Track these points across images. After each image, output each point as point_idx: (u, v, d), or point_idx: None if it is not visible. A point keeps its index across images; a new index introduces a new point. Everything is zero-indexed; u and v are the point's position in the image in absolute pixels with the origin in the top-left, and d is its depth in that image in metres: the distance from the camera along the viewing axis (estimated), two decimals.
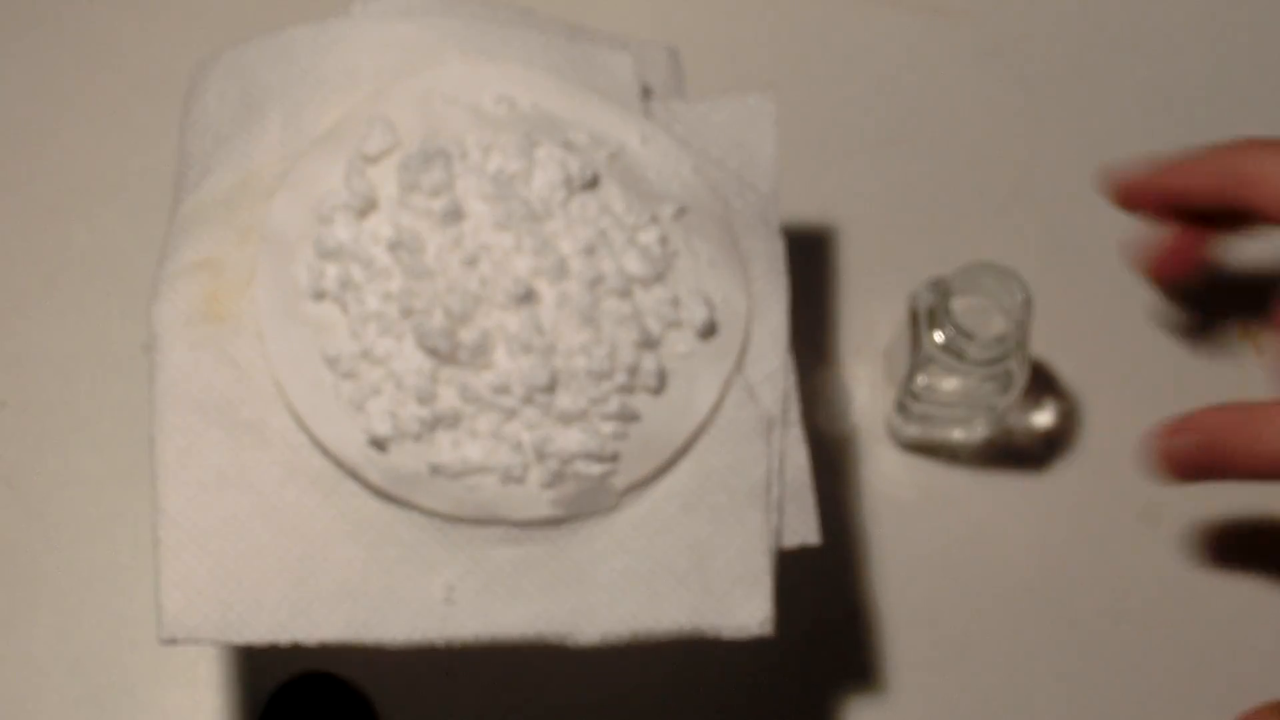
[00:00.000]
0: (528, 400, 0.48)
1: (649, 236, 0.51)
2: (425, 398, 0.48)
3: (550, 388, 0.48)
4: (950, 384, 0.64)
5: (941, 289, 0.62)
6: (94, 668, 0.67)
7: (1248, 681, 0.67)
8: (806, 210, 0.74)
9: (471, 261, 0.48)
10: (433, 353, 0.48)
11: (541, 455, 0.48)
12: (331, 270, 0.49)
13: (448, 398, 0.48)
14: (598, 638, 0.50)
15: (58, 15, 0.78)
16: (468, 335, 0.48)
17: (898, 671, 0.67)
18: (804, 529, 0.52)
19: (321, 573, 0.49)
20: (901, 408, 0.67)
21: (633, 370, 0.49)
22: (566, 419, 0.49)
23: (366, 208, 0.50)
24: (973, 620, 0.68)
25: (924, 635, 0.67)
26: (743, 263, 0.53)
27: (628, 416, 0.49)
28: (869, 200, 0.74)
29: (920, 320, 0.63)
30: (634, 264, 0.50)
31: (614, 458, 0.49)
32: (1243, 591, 0.68)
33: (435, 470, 0.48)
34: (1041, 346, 0.70)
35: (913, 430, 0.68)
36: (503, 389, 0.48)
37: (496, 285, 0.48)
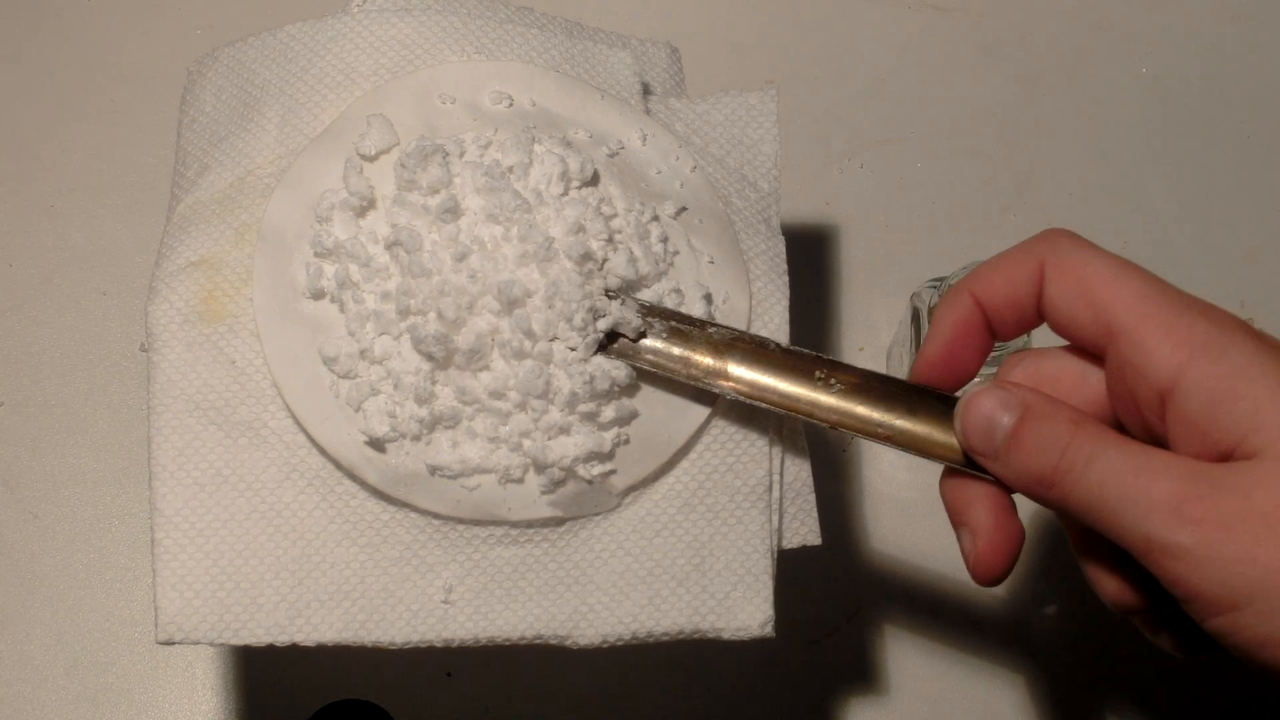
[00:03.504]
0: (522, 406, 0.48)
1: (650, 235, 0.50)
2: (423, 398, 0.48)
3: (544, 394, 0.48)
4: None
5: (942, 288, 0.61)
6: (91, 668, 0.67)
7: (1249, 678, 0.67)
8: (807, 209, 0.74)
9: (464, 257, 0.48)
10: (429, 358, 0.48)
11: (541, 455, 0.48)
12: (329, 269, 0.49)
13: (446, 398, 0.48)
14: (598, 639, 0.50)
15: (57, 15, 0.78)
16: (464, 340, 0.47)
17: (898, 671, 0.67)
18: (805, 530, 0.52)
19: (319, 574, 0.49)
20: None
21: (630, 372, 0.49)
22: (565, 422, 0.48)
23: (364, 206, 0.50)
24: (973, 620, 0.68)
25: (924, 635, 0.67)
26: (744, 262, 0.52)
27: (627, 417, 0.49)
28: (870, 199, 0.74)
29: (922, 319, 0.62)
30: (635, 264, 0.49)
31: (613, 458, 0.49)
32: None
33: (434, 470, 0.48)
34: (1044, 345, 0.70)
35: None
36: (499, 393, 0.48)
37: (488, 282, 0.48)
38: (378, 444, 0.48)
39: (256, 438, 0.49)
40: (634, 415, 0.49)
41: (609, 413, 0.48)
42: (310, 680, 0.65)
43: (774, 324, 0.52)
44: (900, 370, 0.66)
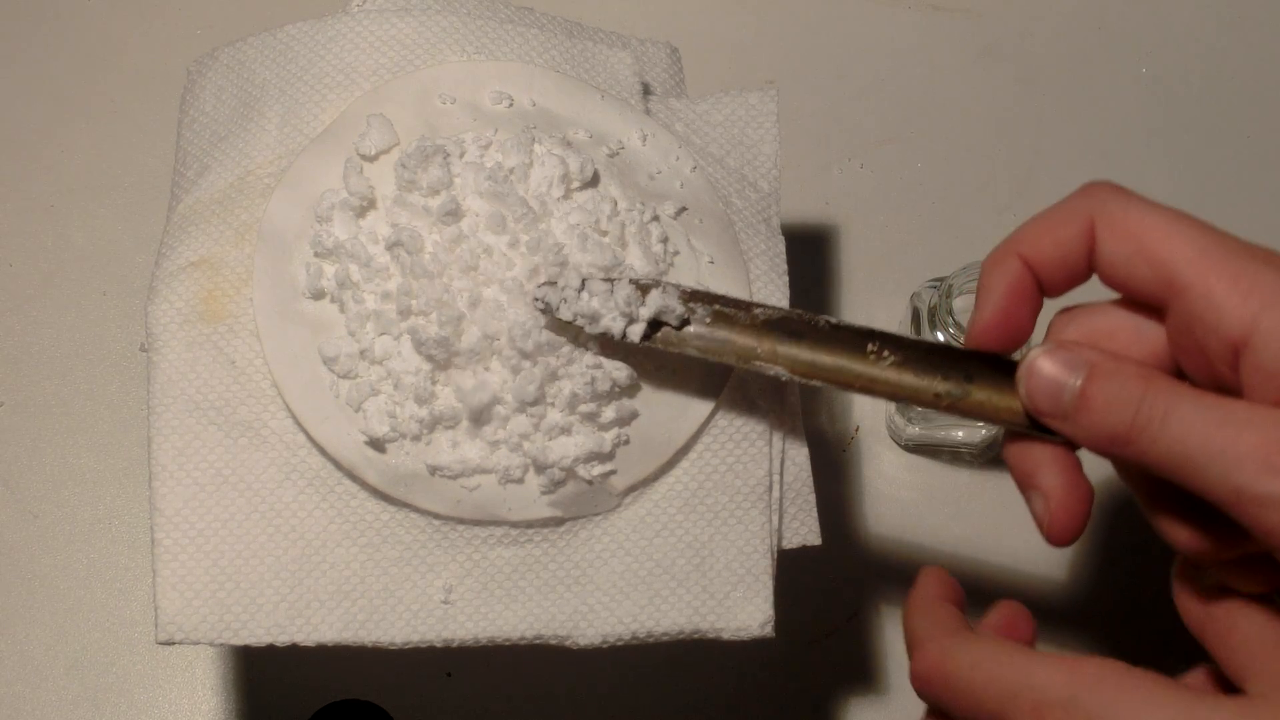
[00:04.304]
0: (520, 410, 0.48)
1: (650, 235, 0.50)
2: (423, 398, 0.48)
3: (538, 400, 0.48)
4: None
5: (943, 288, 0.61)
6: (91, 668, 0.67)
7: None
8: (807, 209, 0.74)
9: (467, 264, 0.48)
10: (430, 359, 0.48)
11: (541, 455, 0.48)
12: (329, 269, 0.49)
13: (446, 398, 0.48)
14: (598, 639, 0.50)
15: (57, 15, 0.78)
16: (465, 342, 0.47)
17: (898, 672, 0.67)
18: (805, 530, 0.52)
19: (319, 574, 0.49)
20: (903, 408, 0.67)
21: (631, 373, 0.49)
22: (565, 423, 0.48)
23: (364, 206, 0.50)
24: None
25: None
26: (744, 262, 0.52)
27: (627, 417, 0.49)
28: (869, 199, 0.74)
29: (921, 319, 0.62)
30: (635, 263, 0.49)
31: (613, 458, 0.49)
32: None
33: (434, 470, 0.48)
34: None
35: (914, 430, 0.68)
36: (497, 397, 0.48)
37: (490, 289, 0.48)
38: (378, 444, 0.48)
39: (256, 438, 0.49)
40: (634, 415, 0.49)
41: (609, 413, 0.48)
42: (310, 680, 0.65)
43: None
44: None
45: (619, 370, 0.48)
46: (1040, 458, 0.43)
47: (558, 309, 0.47)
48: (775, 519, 0.51)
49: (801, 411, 0.52)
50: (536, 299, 0.47)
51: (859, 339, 0.45)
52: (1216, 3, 0.78)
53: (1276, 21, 0.78)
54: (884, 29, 0.77)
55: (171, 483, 0.49)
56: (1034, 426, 0.43)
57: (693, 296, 0.48)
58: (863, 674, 0.67)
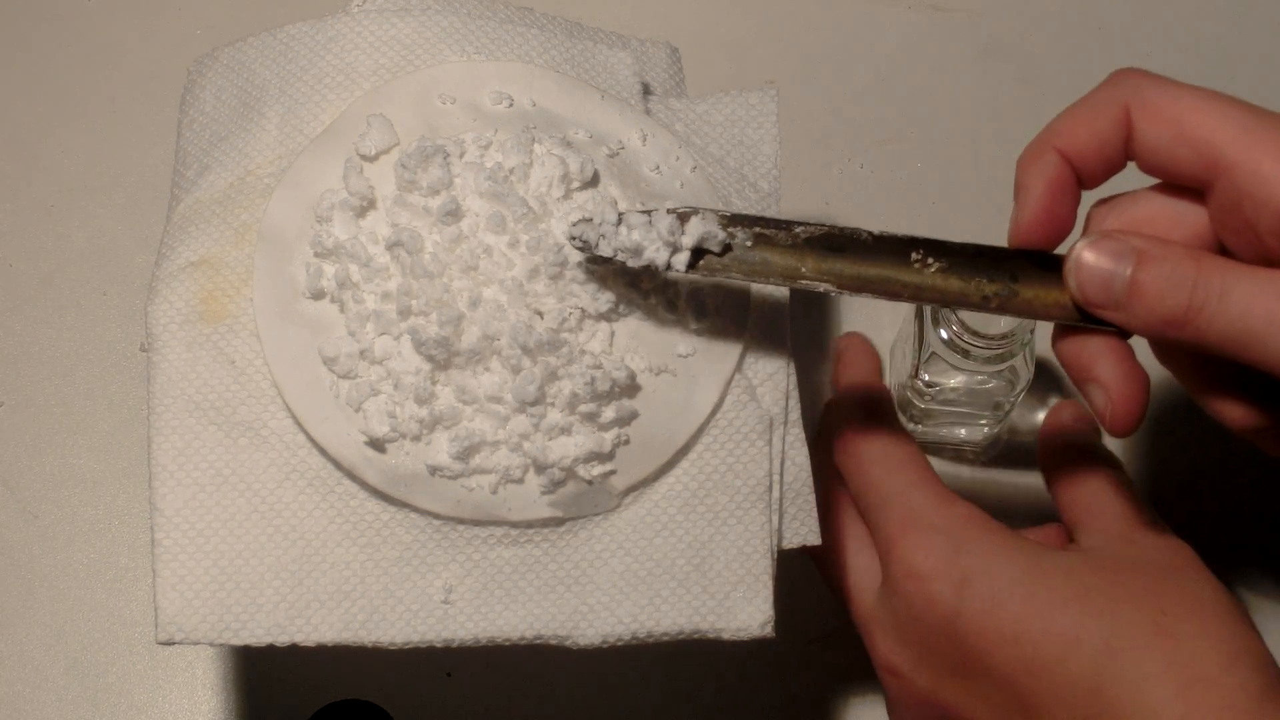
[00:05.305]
0: (520, 410, 0.48)
1: None
2: (423, 398, 0.48)
3: (539, 400, 0.48)
4: (955, 381, 0.63)
5: None
6: (91, 669, 0.67)
7: None
8: (807, 209, 0.74)
9: (467, 264, 0.48)
10: (430, 359, 0.48)
11: (541, 455, 0.48)
12: (329, 269, 0.49)
13: (446, 398, 0.48)
14: (598, 639, 0.50)
15: (57, 15, 0.78)
16: (465, 342, 0.47)
17: None
18: (805, 530, 0.52)
19: (319, 574, 0.49)
20: (905, 406, 0.67)
21: (631, 374, 0.49)
22: (565, 423, 0.48)
23: (364, 206, 0.50)
24: None
25: None
26: None
27: (627, 417, 0.49)
28: (870, 199, 0.74)
29: (924, 317, 0.62)
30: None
31: (613, 458, 0.49)
32: (1242, 591, 0.68)
33: (434, 471, 0.48)
34: (1047, 344, 0.70)
35: (916, 428, 0.68)
36: (496, 398, 0.48)
37: (490, 289, 0.48)
38: (378, 444, 0.48)
39: (256, 438, 0.49)
40: (634, 415, 0.49)
41: (609, 413, 0.48)
42: (310, 680, 0.65)
43: (774, 322, 0.52)
44: (903, 368, 0.66)
45: (619, 370, 0.48)
46: (1095, 350, 0.44)
47: (596, 245, 0.47)
48: (775, 519, 0.51)
49: (802, 411, 0.52)
50: (573, 237, 0.47)
51: (903, 247, 0.45)
52: (1216, 3, 0.78)
53: (1276, 21, 0.78)
54: (884, 29, 0.77)
55: (171, 483, 0.49)
56: (1085, 319, 0.43)
57: (732, 221, 0.47)
58: (863, 674, 0.67)
